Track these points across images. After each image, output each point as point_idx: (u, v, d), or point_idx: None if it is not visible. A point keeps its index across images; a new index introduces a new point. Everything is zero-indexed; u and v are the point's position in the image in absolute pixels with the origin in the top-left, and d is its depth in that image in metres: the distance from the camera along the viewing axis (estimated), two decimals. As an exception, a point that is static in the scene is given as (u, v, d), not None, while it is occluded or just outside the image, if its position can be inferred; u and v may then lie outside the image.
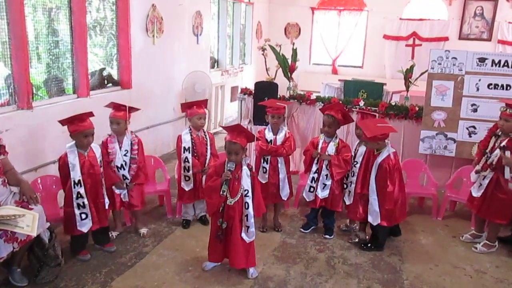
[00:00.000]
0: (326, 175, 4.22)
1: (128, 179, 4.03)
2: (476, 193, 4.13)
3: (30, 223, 3.04)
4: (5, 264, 3.29)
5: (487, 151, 4.09)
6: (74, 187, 3.55)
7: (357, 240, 4.27)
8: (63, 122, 3.58)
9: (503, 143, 3.87)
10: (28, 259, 3.41)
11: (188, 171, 4.27)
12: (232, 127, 3.49)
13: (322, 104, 5.58)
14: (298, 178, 5.08)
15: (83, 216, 3.60)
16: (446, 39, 10.33)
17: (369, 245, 4.14)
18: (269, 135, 4.35)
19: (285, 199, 4.44)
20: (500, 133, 4.03)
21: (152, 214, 4.74)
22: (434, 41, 10.27)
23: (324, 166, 4.22)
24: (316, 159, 4.28)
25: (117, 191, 4.01)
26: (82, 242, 3.80)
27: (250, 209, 3.42)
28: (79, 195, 3.56)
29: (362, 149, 4.13)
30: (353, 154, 4.23)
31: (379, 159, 3.89)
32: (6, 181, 3.27)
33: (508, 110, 3.90)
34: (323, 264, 3.87)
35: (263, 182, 4.28)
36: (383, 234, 4.12)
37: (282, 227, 4.50)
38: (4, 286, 3.28)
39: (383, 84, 7.23)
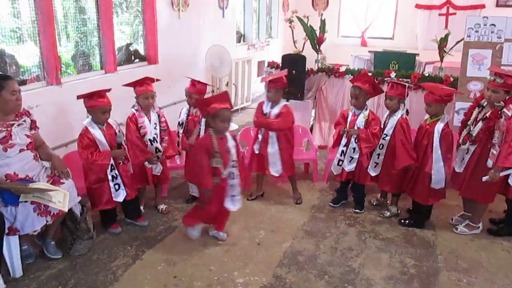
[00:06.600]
0: (354, 148, 4.13)
1: (161, 151, 4.02)
2: (459, 168, 3.88)
3: (62, 200, 3.09)
4: (40, 237, 3.40)
5: (469, 123, 3.84)
6: None
7: (388, 214, 4.18)
8: (80, 97, 3.56)
9: (487, 114, 3.63)
10: (61, 232, 3.50)
11: (178, 146, 4.26)
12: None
13: (352, 77, 5.41)
14: (327, 152, 5.00)
15: (117, 187, 3.67)
16: (482, 6, 9.77)
17: (409, 221, 4.04)
18: (266, 108, 4.31)
19: (276, 175, 4.34)
20: (485, 104, 3.76)
21: (181, 189, 4.76)
22: (470, 9, 9.73)
23: (352, 140, 4.13)
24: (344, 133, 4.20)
25: (149, 166, 4.01)
26: (112, 216, 3.85)
27: None
28: (112, 168, 3.62)
29: (393, 121, 3.99)
30: (381, 127, 4.10)
31: (441, 125, 3.74)
32: (38, 155, 3.31)
33: (496, 79, 3.60)
34: (353, 239, 3.81)
35: (256, 152, 4.38)
36: (428, 210, 4.03)
37: (301, 199, 4.49)
38: (40, 258, 3.38)
39: (415, 55, 6.92)
